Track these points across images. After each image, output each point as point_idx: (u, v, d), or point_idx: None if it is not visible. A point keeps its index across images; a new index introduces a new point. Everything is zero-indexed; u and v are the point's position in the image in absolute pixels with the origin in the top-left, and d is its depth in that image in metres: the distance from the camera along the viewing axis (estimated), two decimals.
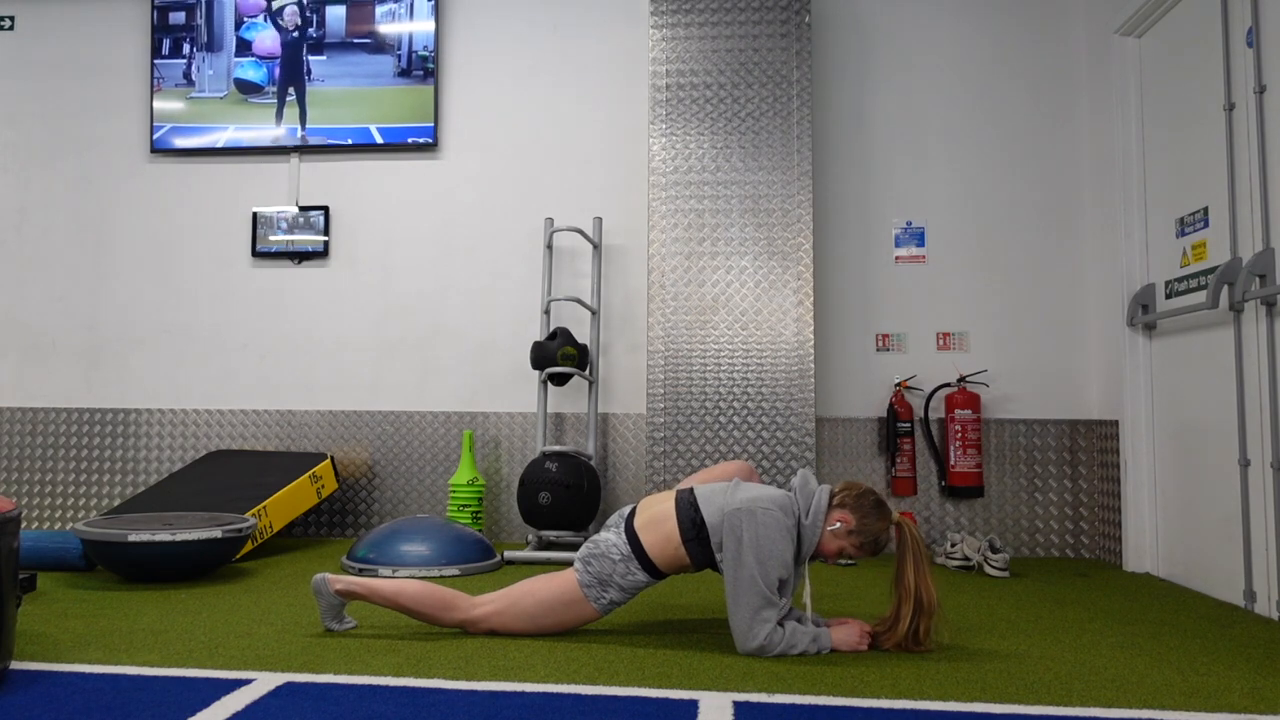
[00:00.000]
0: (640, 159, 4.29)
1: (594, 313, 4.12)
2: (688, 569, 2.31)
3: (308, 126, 4.39)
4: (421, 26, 4.37)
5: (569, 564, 3.51)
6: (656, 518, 2.32)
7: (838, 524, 2.28)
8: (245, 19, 4.47)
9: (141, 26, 4.62)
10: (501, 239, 4.35)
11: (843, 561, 3.61)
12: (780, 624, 2.22)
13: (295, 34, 4.42)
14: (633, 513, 2.37)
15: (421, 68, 4.36)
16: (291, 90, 4.39)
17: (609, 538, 2.34)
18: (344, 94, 4.39)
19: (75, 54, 4.65)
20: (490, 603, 2.36)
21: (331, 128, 4.39)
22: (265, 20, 4.43)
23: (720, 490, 2.33)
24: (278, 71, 4.42)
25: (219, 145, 4.45)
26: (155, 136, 4.48)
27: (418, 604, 2.35)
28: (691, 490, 2.35)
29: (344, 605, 2.41)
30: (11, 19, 4.70)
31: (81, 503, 4.46)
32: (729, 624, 2.23)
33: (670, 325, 3.84)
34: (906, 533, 2.24)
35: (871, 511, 2.27)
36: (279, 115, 4.40)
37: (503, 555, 3.56)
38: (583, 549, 2.37)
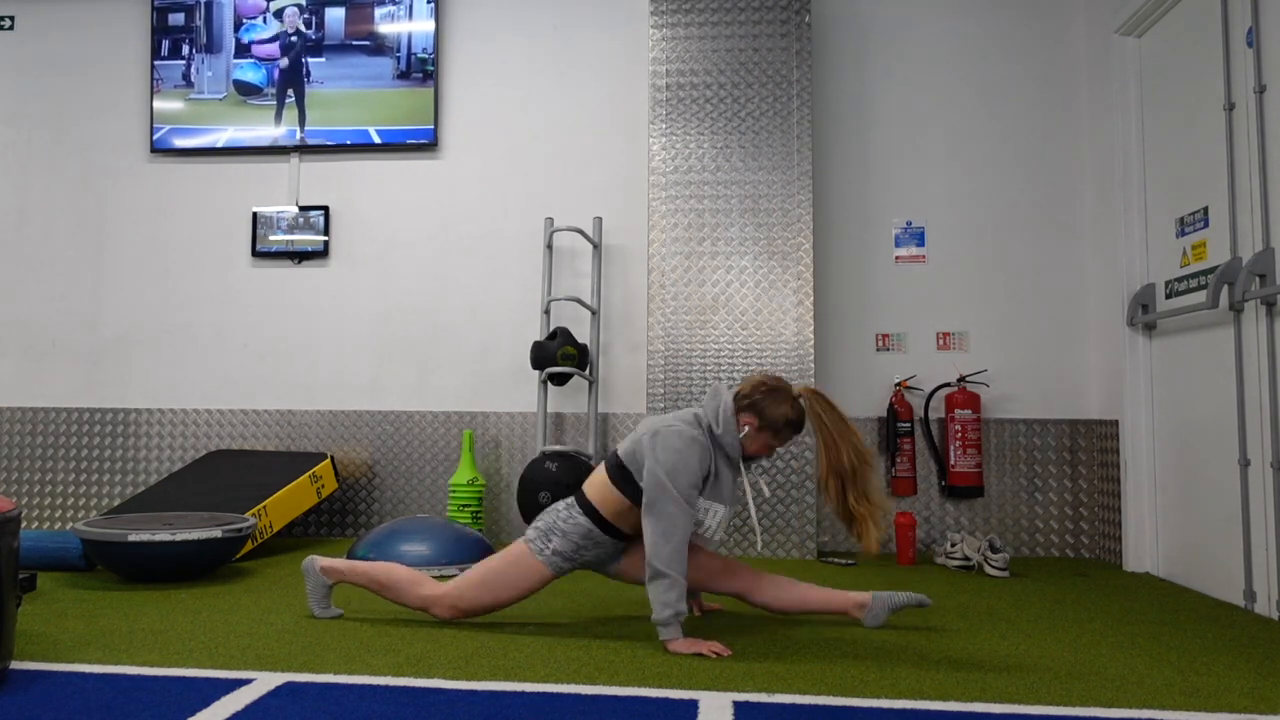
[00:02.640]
0: (640, 159, 4.29)
1: (594, 313, 4.12)
2: (633, 512, 2.36)
3: (307, 129, 4.39)
4: (421, 27, 4.37)
5: None
6: (594, 476, 2.43)
7: (746, 428, 2.33)
8: (244, 20, 4.47)
9: (141, 27, 4.62)
10: (501, 239, 4.35)
11: (842, 562, 3.61)
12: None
13: (295, 36, 4.42)
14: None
15: (421, 70, 4.36)
16: (291, 92, 4.39)
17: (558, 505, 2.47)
18: (343, 96, 4.39)
19: (75, 54, 4.65)
20: (452, 583, 2.45)
21: (331, 130, 4.39)
22: (264, 22, 4.43)
23: (635, 432, 2.41)
24: (277, 73, 4.42)
25: (214, 146, 4.45)
26: (155, 137, 4.48)
27: (390, 576, 2.46)
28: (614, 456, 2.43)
29: (330, 589, 2.55)
30: (11, 19, 4.70)
31: (81, 503, 4.46)
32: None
33: (670, 325, 3.84)
34: (811, 403, 2.30)
35: (769, 399, 2.32)
36: (278, 117, 4.40)
37: None
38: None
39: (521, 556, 2.39)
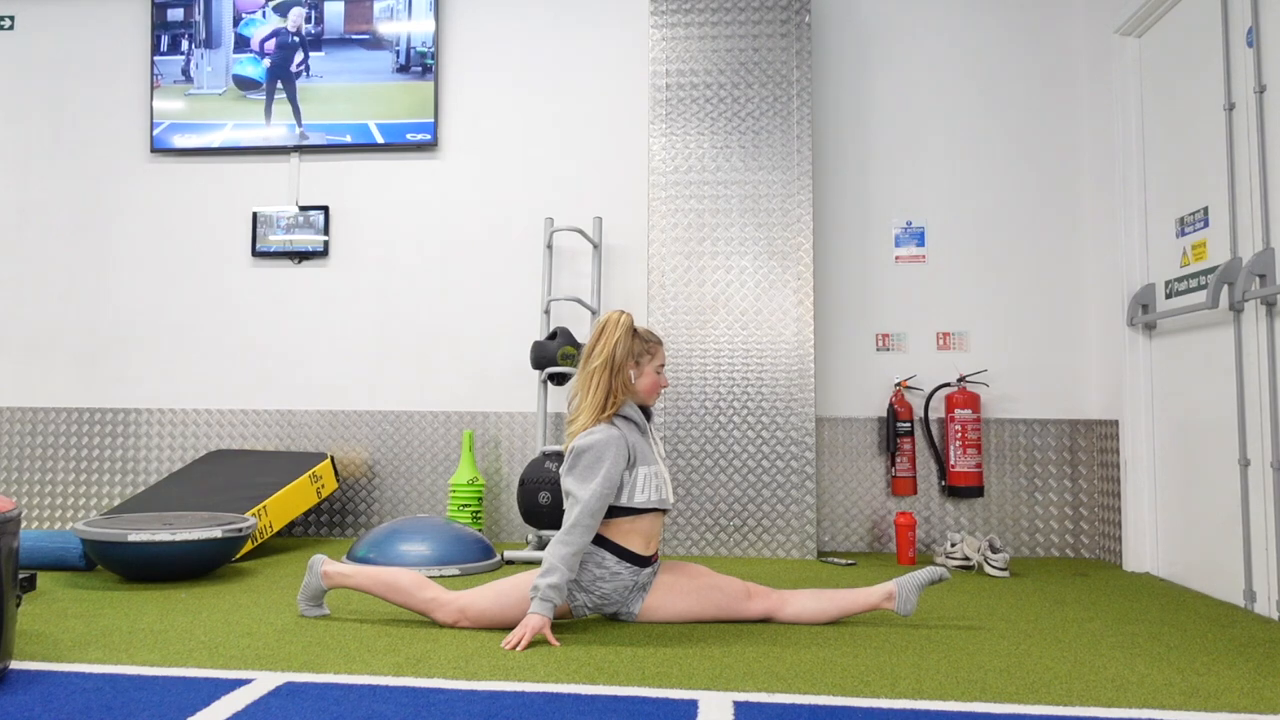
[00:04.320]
0: (640, 159, 4.29)
1: (594, 313, 4.11)
2: (622, 522, 2.44)
3: (305, 123, 4.39)
4: (421, 27, 4.37)
5: None
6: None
7: (631, 375, 2.47)
8: (244, 15, 4.47)
9: (141, 26, 4.62)
10: (501, 239, 4.35)
11: (842, 562, 3.61)
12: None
13: (296, 37, 4.41)
14: None
15: (420, 64, 4.36)
16: (281, 86, 4.39)
17: None
18: (342, 90, 4.39)
19: (75, 53, 4.65)
20: (464, 590, 2.48)
21: (330, 124, 4.39)
22: (264, 16, 4.43)
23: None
24: (265, 61, 4.41)
25: (216, 145, 4.45)
26: (155, 134, 4.48)
27: (394, 579, 2.48)
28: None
29: (325, 592, 2.57)
30: (11, 19, 4.70)
31: (81, 503, 4.46)
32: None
33: (670, 325, 3.84)
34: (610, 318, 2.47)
35: (608, 332, 2.46)
36: (267, 112, 4.40)
37: (503, 555, 3.56)
38: None
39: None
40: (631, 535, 2.43)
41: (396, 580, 2.48)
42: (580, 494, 2.34)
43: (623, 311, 2.49)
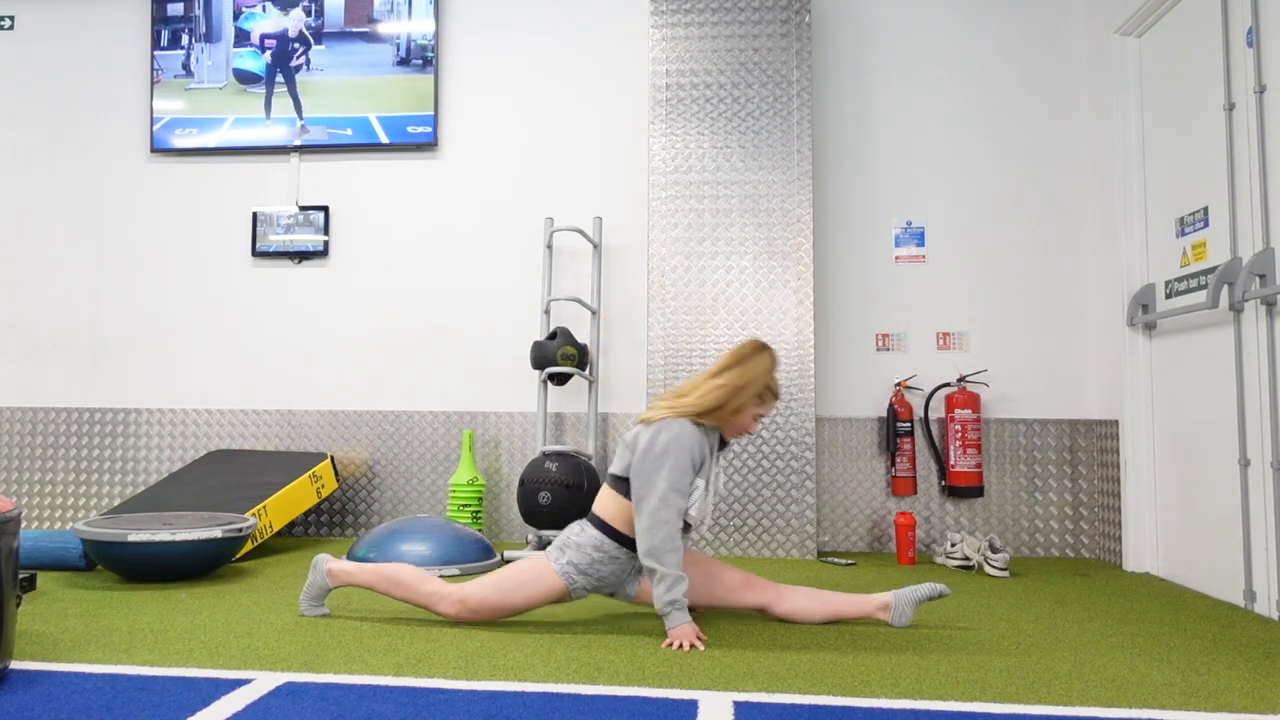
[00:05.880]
0: (640, 159, 4.29)
1: (594, 313, 4.12)
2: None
3: (305, 116, 4.39)
4: (421, 27, 4.37)
5: None
6: (600, 495, 2.48)
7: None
8: (243, 9, 4.47)
9: (141, 25, 4.62)
10: (501, 239, 4.35)
11: (842, 562, 3.61)
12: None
13: (292, 36, 4.41)
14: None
15: (420, 56, 4.35)
16: (281, 79, 4.38)
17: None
18: (343, 83, 4.39)
19: (75, 53, 4.65)
20: (463, 582, 2.50)
21: (331, 117, 4.39)
22: (263, 10, 4.43)
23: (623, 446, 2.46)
24: (266, 55, 4.41)
25: (216, 143, 4.45)
26: (155, 130, 4.48)
27: (397, 573, 2.49)
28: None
29: (328, 592, 2.58)
30: (11, 19, 4.70)
31: (81, 503, 4.46)
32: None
33: (670, 325, 3.84)
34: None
35: (746, 357, 2.41)
36: (267, 105, 4.40)
37: (503, 555, 3.56)
38: None
39: (537, 565, 2.42)
40: (622, 519, 2.43)
41: (399, 575, 2.50)
42: (656, 477, 2.30)
43: (773, 350, 2.45)
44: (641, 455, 2.34)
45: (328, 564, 2.55)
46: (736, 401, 2.39)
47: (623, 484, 2.40)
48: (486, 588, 2.43)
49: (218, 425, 4.41)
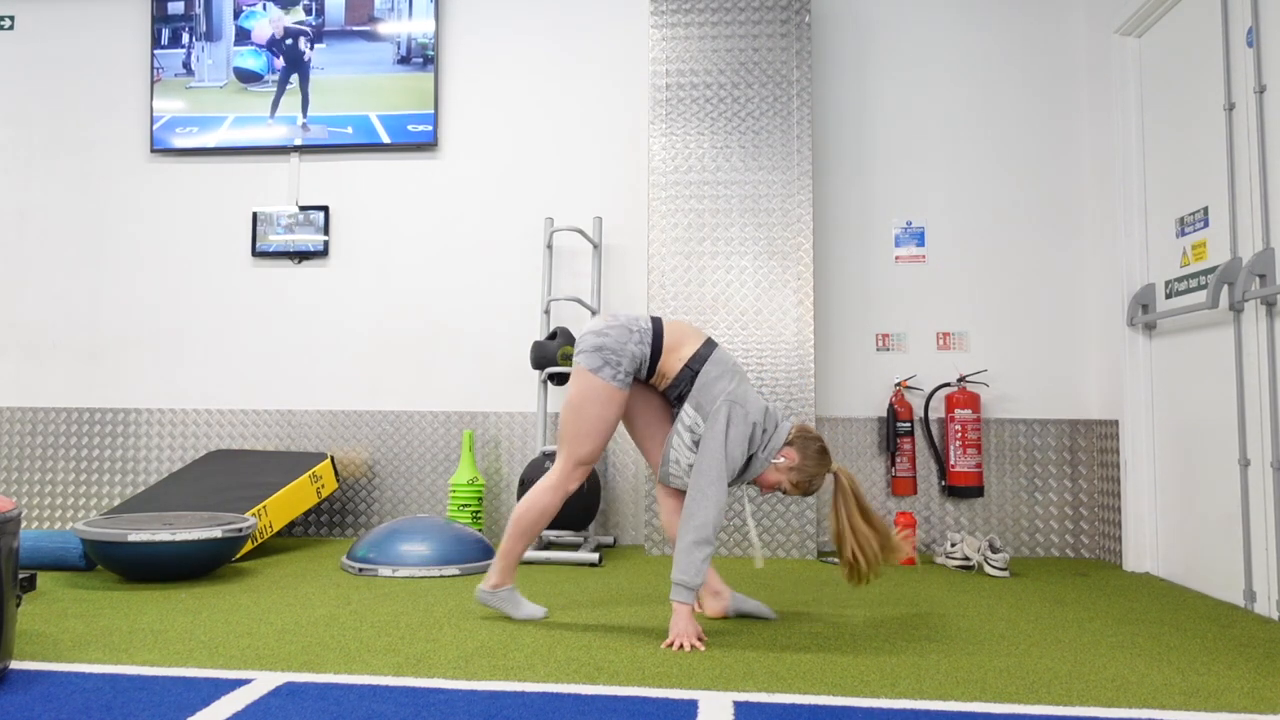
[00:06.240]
0: (640, 159, 4.29)
1: (594, 313, 4.11)
2: (656, 384, 2.54)
3: (309, 115, 4.39)
4: (421, 26, 4.37)
5: (569, 563, 3.52)
6: (681, 338, 2.50)
7: (781, 459, 2.45)
8: (243, 8, 4.47)
9: (141, 25, 4.62)
10: (501, 239, 4.35)
11: (833, 560, 3.60)
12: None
13: (290, 40, 4.41)
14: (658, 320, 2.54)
15: (421, 54, 4.35)
16: (294, 78, 4.39)
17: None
18: (344, 82, 4.39)
19: (75, 53, 4.65)
20: (559, 455, 2.50)
21: (332, 115, 4.39)
22: (263, 9, 4.43)
23: (723, 375, 2.46)
24: (279, 60, 4.41)
25: (216, 143, 4.45)
26: (155, 129, 4.48)
27: (521, 520, 2.51)
28: (708, 352, 2.48)
29: (513, 590, 2.58)
30: (11, 19, 4.70)
31: (81, 503, 4.46)
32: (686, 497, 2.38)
33: None
34: (843, 480, 2.41)
35: (814, 456, 2.45)
36: (275, 105, 4.40)
37: None
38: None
39: (601, 390, 2.42)
40: (662, 386, 2.52)
41: (518, 526, 2.50)
42: (724, 462, 2.36)
43: (850, 476, 2.43)
44: (717, 433, 2.38)
45: (487, 586, 2.56)
46: (768, 456, 2.44)
47: (675, 388, 2.48)
48: (582, 441, 2.44)
49: (218, 425, 4.41)
